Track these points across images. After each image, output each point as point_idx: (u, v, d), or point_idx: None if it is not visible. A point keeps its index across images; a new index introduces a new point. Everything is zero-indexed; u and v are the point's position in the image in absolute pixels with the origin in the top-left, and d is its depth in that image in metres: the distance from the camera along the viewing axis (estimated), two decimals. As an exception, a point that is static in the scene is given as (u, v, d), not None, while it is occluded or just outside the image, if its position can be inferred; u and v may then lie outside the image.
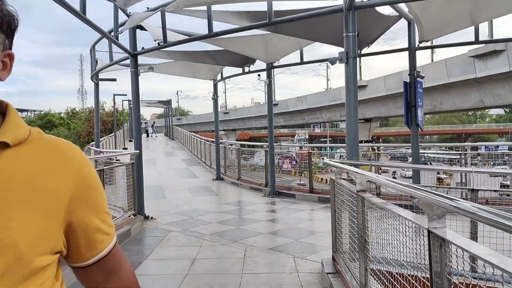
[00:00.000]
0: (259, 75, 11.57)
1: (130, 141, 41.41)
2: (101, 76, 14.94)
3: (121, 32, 8.25)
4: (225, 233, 7.67)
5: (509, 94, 29.23)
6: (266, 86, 11.46)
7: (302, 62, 10.86)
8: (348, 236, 4.87)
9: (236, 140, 54.62)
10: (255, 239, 7.24)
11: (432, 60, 45.89)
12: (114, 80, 15.44)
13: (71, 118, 51.03)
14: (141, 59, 10.50)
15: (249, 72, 12.34)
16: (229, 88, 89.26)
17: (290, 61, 11.97)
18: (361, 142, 51.26)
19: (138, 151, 8.99)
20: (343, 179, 5.18)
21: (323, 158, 10.97)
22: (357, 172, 3.91)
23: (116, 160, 11.76)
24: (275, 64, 11.57)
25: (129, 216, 8.31)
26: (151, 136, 45.98)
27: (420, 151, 11.23)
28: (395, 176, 28.53)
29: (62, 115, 56.15)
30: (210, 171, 17.87)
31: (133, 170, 8.60)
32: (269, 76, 11.56)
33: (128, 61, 9.54)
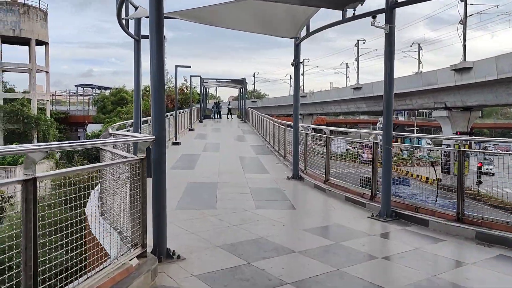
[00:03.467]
0: (374, 17, 6.94)
1: (201, 121, 38.58)
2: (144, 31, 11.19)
3: None
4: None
5: None
6: (384, 37, 6.70)
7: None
8: None
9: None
10: None
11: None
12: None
13: (143, 96, 49.66)
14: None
15: (354, 17, 7.75)
16: (306, 71, 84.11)
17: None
18: (456, 133, 43.99)
19: (154, 137, 4.93)
20: None
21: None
22: None
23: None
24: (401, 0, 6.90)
25: (130, 259, 4.33)
26: (216, 117, 42.93)
27: None
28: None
29: (135, 92, 55.37)
30: (284, 164, 13.62)
31: (142, 172, 4.56)
32: (390, 20, 6.92)
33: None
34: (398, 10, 6.95)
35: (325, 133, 9.78)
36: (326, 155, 9.60)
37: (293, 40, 10.64)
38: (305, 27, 9.93)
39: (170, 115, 20.36)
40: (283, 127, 14.98)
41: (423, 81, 45.11)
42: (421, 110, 75.39)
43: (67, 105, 78.28)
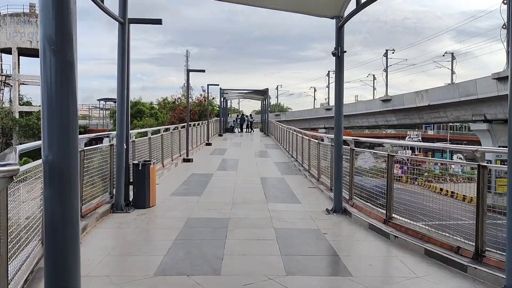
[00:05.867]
0: None
1: (220, 135, 35.87)
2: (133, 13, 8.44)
3: None
4: None
5: None
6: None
7: None
8: None
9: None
10: None
11: None
12: (158, 22, 8.77)
13: (162, 108, 47.64)
14: None
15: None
16: (331, 83, 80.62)
17: None
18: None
19: (15, 167, 1.85)
20: None
21: None
22: None
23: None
24: None
25: None
26: (237, 131, 40.62)
27: None
28: None
29: (153, 105, 53.50)
30: (318, 188, 10.58)
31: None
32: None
33: None
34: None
35: (386, 150, 6.71)
36: (387, 182, 6.51)
37: (334, 21, 7.71)
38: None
39: (182, 127, 17.63)
40: (316, 141, 11.96)
41: (460, 91, 41.51)
42: (451, 124, 71.03)
43: (89, 119, 77.14)
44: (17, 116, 47.58)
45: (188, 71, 16.61)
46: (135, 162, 8.32)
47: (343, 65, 7.89)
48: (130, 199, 8.21)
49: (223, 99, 41.07)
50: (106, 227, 6.72)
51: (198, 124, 23.64)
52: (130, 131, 10.51)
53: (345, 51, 7.84)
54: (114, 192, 7.96)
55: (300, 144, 15.28)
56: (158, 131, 13.71)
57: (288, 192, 10.31)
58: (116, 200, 7.77)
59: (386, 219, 6.51)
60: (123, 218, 7.29)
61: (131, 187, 8.28)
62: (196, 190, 10.30)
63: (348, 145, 8.27)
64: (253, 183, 11.62)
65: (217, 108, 42.63)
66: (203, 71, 16.97)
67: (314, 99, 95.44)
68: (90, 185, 7.29)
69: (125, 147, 7.89)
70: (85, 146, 7.11)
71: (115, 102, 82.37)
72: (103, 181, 7.97)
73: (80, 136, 7.03)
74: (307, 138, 13.54)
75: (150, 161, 8.45)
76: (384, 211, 6.59)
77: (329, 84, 79.50)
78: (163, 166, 13.41)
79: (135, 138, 10.32)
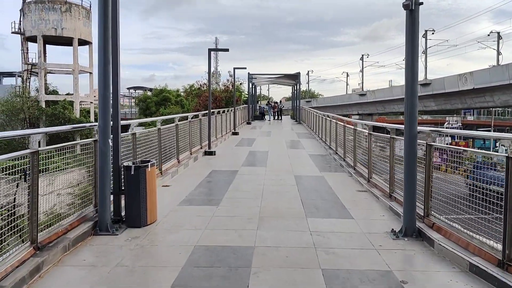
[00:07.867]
0: None
1: (249, 123, 33.66)
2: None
3: None
4: None
5: None
6: None
7: None
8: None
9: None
10: None
11: None
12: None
13: (188, 95, 45.71)
14: None
15: None
16: (365, 67, 76.48)
17: None
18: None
19: None
20: None
21: None
22: None
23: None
24: None
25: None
26: (268, 119, 38.52)
27: None
28: None
29: (180, 92, 51.70)
30: (371, 192, 8.16)
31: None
32: None
33: None
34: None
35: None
36: (505, 199, 4.07)
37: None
38: None
39: (203, 115, 15.47)
40: (365, 131, 9.49)
41: (510, 73, 37.76)
42: (493, 109, 66.21)
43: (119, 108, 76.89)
44: (43, 105, 46.81)
45: (210, 50, 14.35)
46: (127, 163, 6.16)
47: (418, 23, 5.42)
48: (123, 214, 6.11)
49: (252, 85, 38.75)
50: (74, 264, 4.59)
51: (224, 112, 21.45)
52: (131, 121, 8.42)
53: (421, 3, 5.37)
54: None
55: (342, 134, 12.80)
56: (172, 120, 11.56)
57: (333, 198, 7.93)
58: (100, 217, 5.66)
59: (503, 260, 4.07)
60: (106, 246, 5.16)
61: (123, 197, 6.18)
62: (214, 195, 8.11)
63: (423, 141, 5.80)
64: (286, 184, 9.31)
65: (245, 95, 40.39)
66: (227, 50, 14.77)
67: (347, 85, 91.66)
68: (56, 198, 5.19)
69: (110, 143, 5.72)
70: (46, 145, 5.03)
71: (144, 90, 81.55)
72: (82, 191, 5.87)
73: (29, 131, 4.95)
74: (351, 127, 11.06)
75: (148, 161, 6.27)
76: (500, 245, 4.16)
77: (362, 68, 75.71)
78: (179, 162, 11.30)
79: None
